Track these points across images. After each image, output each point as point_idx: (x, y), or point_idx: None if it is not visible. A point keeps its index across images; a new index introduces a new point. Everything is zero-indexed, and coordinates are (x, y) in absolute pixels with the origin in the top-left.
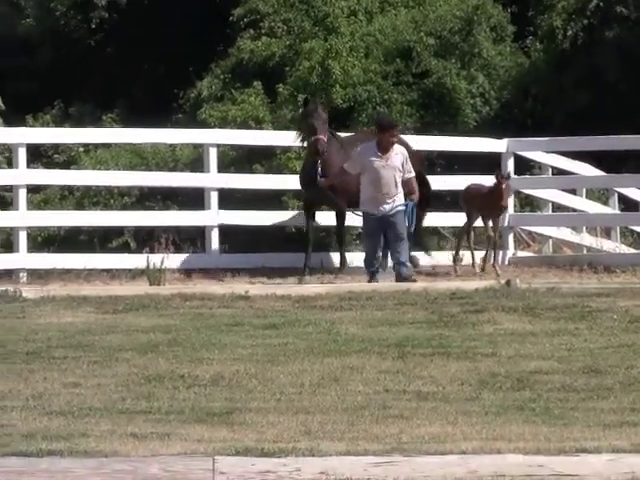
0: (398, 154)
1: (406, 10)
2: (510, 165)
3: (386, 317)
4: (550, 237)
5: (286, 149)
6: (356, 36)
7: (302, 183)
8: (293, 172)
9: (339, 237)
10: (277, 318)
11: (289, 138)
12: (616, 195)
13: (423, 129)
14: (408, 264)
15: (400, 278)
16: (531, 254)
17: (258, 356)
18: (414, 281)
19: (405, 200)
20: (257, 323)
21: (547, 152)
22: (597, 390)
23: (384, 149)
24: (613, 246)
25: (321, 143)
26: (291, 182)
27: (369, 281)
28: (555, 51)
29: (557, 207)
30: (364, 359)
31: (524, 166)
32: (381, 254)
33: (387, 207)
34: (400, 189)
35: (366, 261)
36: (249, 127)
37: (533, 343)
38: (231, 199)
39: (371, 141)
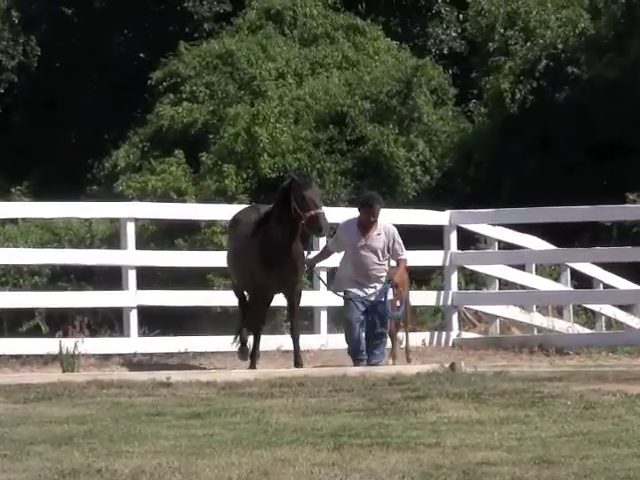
0: (381, 234)
1: (339, 72)
2: (453, 238)
3: (320, 405)
4: (497, 317)
5: (211, 223)
6: (285, 100)
7: (267, 263)
8: (219, 247)
9: (295, 323)
10: (202, 407)
11: (214, 211)
12: (568, 270)
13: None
14: (381, 363)
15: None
16: (477, 335)
17: (181, 448)
18: None
19: (386, 282)
20: (180, 412)
21: (493, 224)
22: None
23: (363, 228)
24: (566, 326)
25: (323, 218)
26: (217, 259)
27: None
28: (501, 115)
29: (504, 284)
30: (297, 451)
31: (468, 240)
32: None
33: (369, 292)
34: (384, 272)
35: (352, 350)
36: (170, 199)
37: (480, 432)
38: (151, 278)
39: (354, 217)
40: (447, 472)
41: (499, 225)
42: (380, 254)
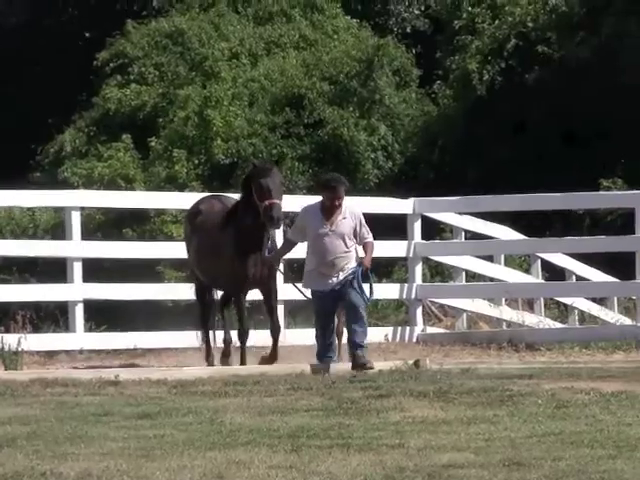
0: (347, 218)
1: (296, 52)
2: (417, 228)
3: (277, 404)
4: (464, 310)
5: (160, 212)
6: (239, 82)
7: (240, 257)
8: (169, 238)
9: (275, 319)
10: (152, 406)
11: (164, 199)
12: (539, 262)
13: (316, 187)
14: (365, 346)
15: (356, 365)
16: (443, 330)
17: (130, 450)
18: (371, 368)
19: (357, 265)
20: (129, 412)
21: (460, 213)
22: None
23: (327, 213)
24: (536, 320)
25: (278, 208)
26: (167, 249)
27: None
28: (468, 97)
29: (472, 276)
30: (252, 453)
31: (433, 229)
32: (335, 339)
33: (334, 281)
34: (352, 260)
35: (318, 351)
36: (118, 187)
37: (446, 432)
38: (98, 270)
39: (316, 202)
40: (411, 475)
41: (466, 214)
42: (347, 239)
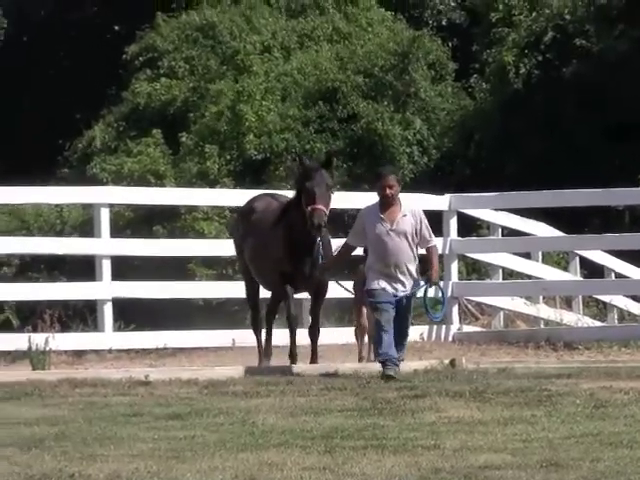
0: (407, 216)
1: (329, 45)
2: (453, 224)
3: (310, 404)
4: (501, 309)
5: (192, 209)
6: (271, 76)
7: (290, 256)
8: (200, 235)
9: (317, 321)
10: (182, 407)
11: (195, 196)
12: (577, 259)
13: (351, 184)
14: (398, 367)
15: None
16: (479, 329)
17: (161, 451)
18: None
19: (423, 281)
20: (159, 413)
21: (496, 209)
22: None
23: (385, 210)
24: (575, 318)
25: (320, 215)
26: (198, 247)
27: (384, 375)
28: (505, 91)
29: (509, 274)
30: (285, 454)
31: (470, 226)
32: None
33: (400, 288)
34: (414, 264)
35: (381, 355)
36: (148, 183)
37: (482, 433)
38: (127, 268)
39: (374, 203)
40: (447, 476)
41: (503, 210)
42: (410, 239)
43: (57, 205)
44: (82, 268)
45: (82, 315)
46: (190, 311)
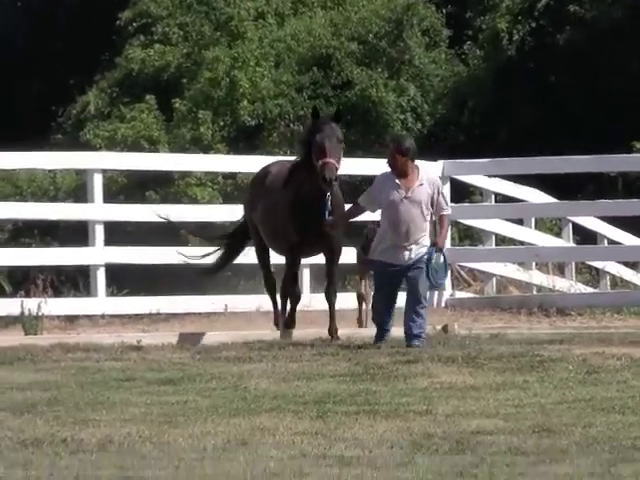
0: (424, 184)
1: (323, 11)
2: (446, 190)
3: (302, 370)
4: (494, 275)
5: (185, 174)
6: (265, 42)
7: (300, 216)
8: (193, 201)
9: (333, 284)
10: (175, 372)
11: (188, 161)
12: (570, 225)
13: (345, 150)
14: (423, 336)
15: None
16: (472, 295)
17: (153, 416)
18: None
19: (431, 248)
20: (151, 378)
21: (489, 176)
22: (550, 452)
23: (400, 177)
24: (567, 285)
25: (331, 169)
26: (192, 213)
27: (376, 342)
28: (498, 58)
29: (501, 240)
30: (277, 419)
31: (463, 192)
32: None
33: (406, 255)
34: (425, 234)
35: (376, 319)
36: (141, 149)
37: (475, 399)
38: (120, 233)
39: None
40: (439, 442)
41: (496, 176)
42: (424, 208)
43: (50, 171)
44: (75, 234)
45: (75, 280)
46: (183, 277)
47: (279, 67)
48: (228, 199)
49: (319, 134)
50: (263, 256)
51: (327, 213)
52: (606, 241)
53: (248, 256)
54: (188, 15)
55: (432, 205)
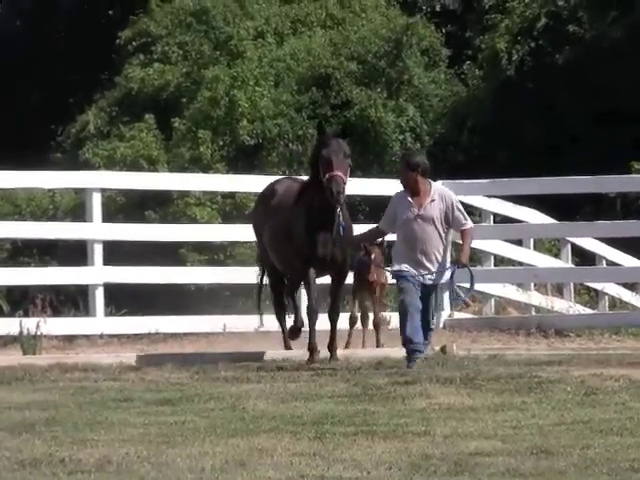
0: (435, 200)
1: (323, 31)
2: (341, 216)
3: (301, 390)
4: (492, 296)
5: (184, 194)
6: (264, 61)
7: (310, 237)
8: (192, 220)
9: (337, 305)
10: (173, 392)
11: (188, 181)
12: (569, 246)
13: None
14: (418, 358)
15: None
16: (470, 316)
17: (151, 437)
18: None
19: (453, 264)
20: (150, 398)
21: (488, 196)
22: (548, 474)
23: (412, 195)
24: (566, 306)
25: (338, 182)
26: (190, 232)
27: (408, 364)
28: (497, 78)
29: (500, 260)
30: (275, 440)
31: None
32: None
33: (426, 272)
34: (443, 248)
35: (407, 340)
36: (140, 168)
37: (473, 420)
38: (119, 253)
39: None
40: (437, 463)
41: (495, 197)
42: (438, 224)
43: (49, 190)
44: (74, 253)
45: (73, 300)
46: (182, 296)
47: (278, 87)
48: (227, 219)
49: (325, 149)
50: (275, 278)
51: (341, 229)
52: (605, 262)
53: (246, 275)
54: (187, 34)
55: (447, 221)
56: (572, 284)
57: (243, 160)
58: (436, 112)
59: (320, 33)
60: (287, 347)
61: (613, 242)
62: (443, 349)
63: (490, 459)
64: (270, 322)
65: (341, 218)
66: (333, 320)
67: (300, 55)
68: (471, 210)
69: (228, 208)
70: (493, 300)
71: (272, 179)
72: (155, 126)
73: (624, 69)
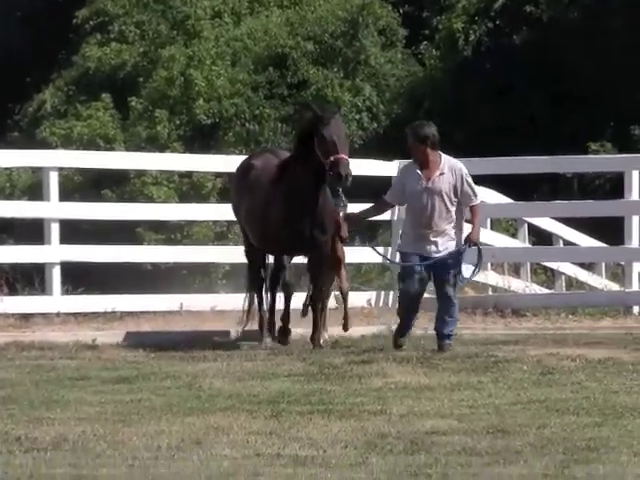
0: (445, 173)
1: (280, 11)
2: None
3: (257, 369)
4: None
5: (141, 173)
6: (221, 41)
7: (290, 218)
8: (149, 199)
9: (319, 291)
10: (129, 370)
11: (144, 160)
12: (526, 226)
13: None
14: (453, 336)
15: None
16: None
17: (107, 415)
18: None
19: (463, 243)
20: (106, 376)
21: None
22: (504, 453)
23: (422, 165)
24: (523, 285)
25: (345, 164)
26: (147, 211)
27: (396, 336)
28: (454, 58)
29: None
30: (231, 418)
31: None
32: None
33: (433, 249)
34: (454, 223)
35: (400, 313)
36: (97, 147)
37: (429, 399)
38: (75, 232)
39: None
40: (393, 442)
41: None
42: (446, 198)
43: (6, 168)
44: (31, 231)
45: (30, 278)
46: (138, 275)
47: (235, 66)
48: (184, 198)
49: (326, 129)
50: (253, 254)
51: (342, 202)
52: (562, 242)
53: (202, 254)
54: (145, 13)
55: (456, 194)
56: (529, 264)
57: (200, 139)
58: (393, 92)
59: (277, 13)
60: (261, 327)
61: (570, 222)
62: None
63: (446, 438)
64: (226, 301)
65: (343, 197)
66: (316, 307)
67: (257, 35)
68: None
69: (185, 187)
70: None
71: (229, 158)
72: (112, 105)
73: (581, 50)
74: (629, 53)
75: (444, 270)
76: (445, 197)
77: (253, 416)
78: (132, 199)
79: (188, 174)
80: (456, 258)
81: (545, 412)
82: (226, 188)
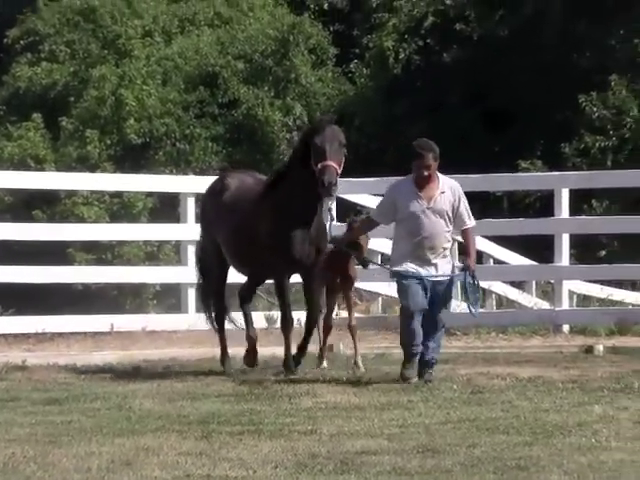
0: (445, 192)
1: (210, 30)
2: (333, 210)
3: (187, 390)
4: (379, 294)
5: (72, 193)
6: (152, 60)
7: (284, 237)
8: (80, 220)
9: (314, 312)
10: (60, 392)
11: (75, 180)
12: (456, 244)
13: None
14: (434, 362)
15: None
16: (357, 314)
17: (37, 436)
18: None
19: (460, 270)
20: (36, 398)
21: (375, 195)
22: (434, 473)
23: (421, 187)
24: (454, 304)
25: (331, 172)
26: (78, 232)
27: (403, 376)
28: (385, 77)
29: (387, 259)
30: (161, 439)
31: (348, 211)
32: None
33: (433, 271)
34: (450, 244)
35: (403, 339)
36: (28, 167)
37: (359, 418)
38: (6, 252)
39: (406, 177)
40: (324, 462)
41: (382, 195)
42: (447, 218)
43: None
44: None
45: None
46: (69, 296)
47: (166, 85)
48: (115, 218)
49: (319, 137)
50: (219, 281)
51: (329, 221)
52: (492, 260)
53: (133, 275)
54: (75, 33)
55: (454, 214)
56: (459, 282)
57: (130, 159)
58: (323, 111)
59: (208, 32)
60: (225, 354)
61: (500, 240)
62: (330, 348)
63: (376, 458)
64: (157, 321)
65: (333, 212)
66: (309, 331)
67: (188, 54)
68: (360, 209)
69: (116, 207)
70: (380, 299)
71: (159, 178)
72: (43, 125)
73: (511, 68)
74: (558, 71)
75: (439, 293)
76: (446, 217)
77: (183, 437)
78: (63, 219)
79: (119, 194)
80: (452, 283)
81: (475, 431)
82: (157, 207)
